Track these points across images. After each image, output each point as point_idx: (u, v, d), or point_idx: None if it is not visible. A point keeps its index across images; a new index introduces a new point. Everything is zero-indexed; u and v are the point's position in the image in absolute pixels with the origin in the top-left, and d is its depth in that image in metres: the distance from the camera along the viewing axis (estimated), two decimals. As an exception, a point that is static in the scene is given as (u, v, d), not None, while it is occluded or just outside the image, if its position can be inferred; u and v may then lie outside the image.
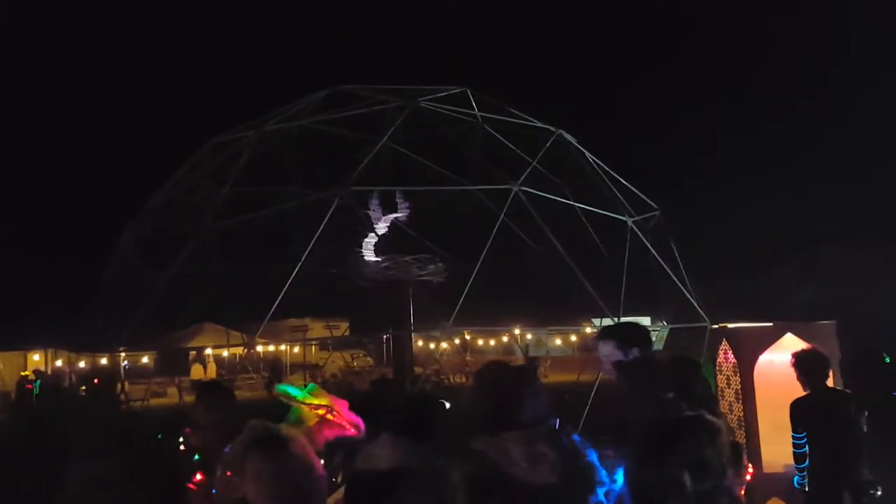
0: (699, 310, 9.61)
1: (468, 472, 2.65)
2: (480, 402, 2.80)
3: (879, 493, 4.76)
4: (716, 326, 8.36)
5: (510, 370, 3.00)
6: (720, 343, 7.54)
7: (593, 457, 2.70)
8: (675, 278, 10.04)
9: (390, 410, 3.36)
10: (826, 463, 4.74)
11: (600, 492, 2.65)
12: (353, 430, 3.71)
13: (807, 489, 4.86)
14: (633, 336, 3.60)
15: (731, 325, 7.83)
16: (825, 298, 17.21)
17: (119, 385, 12.87)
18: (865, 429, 4.86)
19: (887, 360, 14.91)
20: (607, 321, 9.41)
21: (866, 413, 4.90)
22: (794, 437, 4.89)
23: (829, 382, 6.78)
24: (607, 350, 3.58)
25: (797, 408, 4.91)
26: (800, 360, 5.05)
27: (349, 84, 10.92)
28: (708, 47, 55.47)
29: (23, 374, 17.79)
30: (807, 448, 4.82)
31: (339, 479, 3.85)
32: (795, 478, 4.95)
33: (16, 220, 37.17)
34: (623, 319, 9.00)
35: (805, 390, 4.97)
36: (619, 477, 2.73)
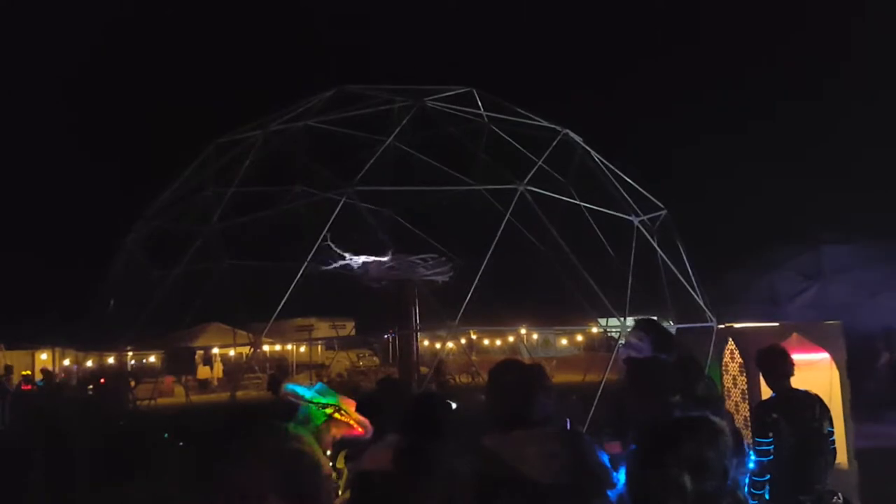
0: (706, 309, 9.58)
1: (479, 469, 2.65)
2: (494, 399, 2.80)
3: (840, 501, 4.45)
4: (722, 326, 8.33)
5: (525, 368, 2.99)
6: (726, 343, 7.52)
7: (605, 458, 2.70)
8: (681, 278, 10.01)
9: (397, 410, 3.36)
10: (790, 470, 4.33)
11: (611, 493, 2.65)
12: (360, 429, 3.71)
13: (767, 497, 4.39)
14: (667, 340, 3.58)
15: (737, 325, 7.81)
16: (830, 298, 17.15)
17: (131, 382, 12.95)
18: (831, 430, 4.54)
19: None
20: (613, 321, 9.40)
21: (830, 415, 4.56)
22: (758, 444, 4.40)
23: (836, 383, 6.79)
24: (638, 342, 3.56)
25: (762, 410, 4.55)
26: (761, 358, 4.73)
27: (355, 84, 10.94)
28: (714, 45, 55.30)
29: (24, 373, 17.68)
30: (773, 457, 4.35)
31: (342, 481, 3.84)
32: (750, 489, 4.32)
33: (23, 220, 37.36)
34: (628, 320, 8.99)
35: (772, 391, 4.64)
36: (621, 476, 2.74)
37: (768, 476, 4.34)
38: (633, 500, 2.42)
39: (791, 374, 4.63)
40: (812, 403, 4.55)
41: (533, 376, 2.87)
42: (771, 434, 4.37)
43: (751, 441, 4.61)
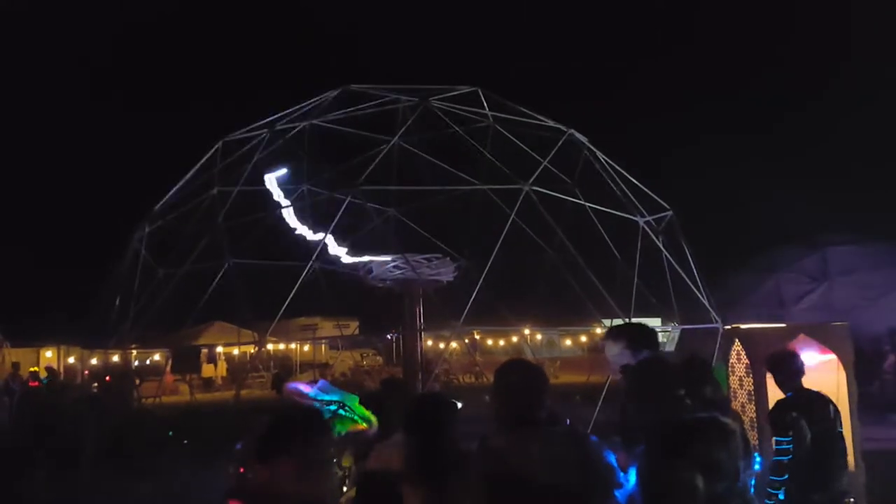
0: (711, 311, 9.55)
1: (484, 469, 2.63)
2: (500, 399, 2.78)
3: (853, 501, 4.53)
4: (728, 327, 8.30)
5: (531, 369, 2.96)
6: (733, 344, 7.49)
7: (611, 458, 2.68)
8: (686, 279, 9.98)
9: (401, 410, 3.35)
10: (807, 470, 4.33)
11: (618, 493, 2.63)
12: (364, 425, 3.72)
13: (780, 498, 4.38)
14: (643, 337, 3.53)
15: (743, 326, 7.77)
16: (835, 300, 17.10)
17: (136, 381, 13.00)
18: (840, 431, 4.55)
19: None
20: (618, 322, 9.38)
21: (840, 416, 4.60)
22: (778, 443, 4.40)
23: (843, 384, 6.76)
24: (616, 351, 3.51)
25: (782, 409, 4.52)
26: (774, 360, 4.76)
27: (360, 83, 10.94)
28: (718, 47, 55.21)
29: (31, 369, 17.77)
30: (791, 456, 4.33)
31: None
32: (767, 489, 4.32)
33: (29, 217, 37.50)
34: (633, 320, 8.96)
35: (784, 392, 4.65)
36: (632, 477, 2.72)
37: (786, 476, 4.33)
38: (645, 502, 2.41)
39: (803, 374, 4.65)
40: (826, 404, 4.57)
41: (540, 376, 2.85)
42: (791, 433, 4.37)
43: (756, 443, 4.60)
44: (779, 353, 4.83)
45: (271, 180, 10.20)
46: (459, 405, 3.27)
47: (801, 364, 4.67)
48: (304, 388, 4.04)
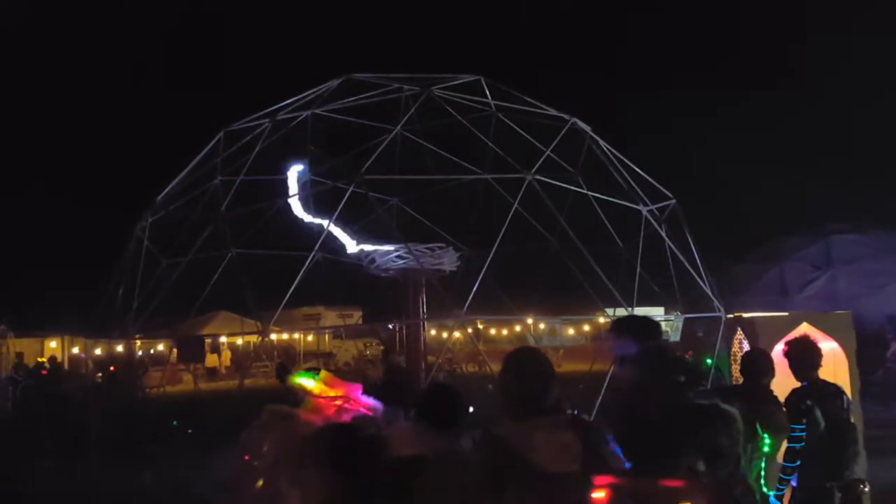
0: (714, 299, 9.53)
1: (489, 458, 2.64)
2: (507, 387, 2.78)
3: (867, 489, 4.61)
4: (731, 316, 8.30)
5: (539, 356, 2.97)
6: (735, 333, 7.51)
7: (615, 447, 2.69)
8: (689, 268, 9.96)
9: (410, 398, 3.37)
10: (820, 457, 4.45)
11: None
12: (369, 412, 3.76)
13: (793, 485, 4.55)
14: (648, 329, 3.56)
15: (746, 315, 7.79)
16: (838, 289, 17.09)
17: (142, 371, 13.08)
18: (853, 420, 4.71)
19: None
20: (621, 311, 9.36)
21: (852, 406, 4.76)
22: (791, 430, 4.50)
23: (846, 373, 6.78)
24: (621, 343, 3.53)
25: (796, 398, 4.65)
26: (791, 349, 4.89)
27: (362, 72, 10.89)
28: (721, 39, 54.94)
29: (39, 359, 17.94)
30: (804, 444, 4.47)
31: None
32: (774, 494, 4.38)
33: (32, 209, 37.58)
34: (636, 310, 8.95)
35: (799, 381, 4.78)
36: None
37: (798, 462, 4.46)
38: None
39: (819, 365, 4.78)
40: (839, 393, 4.71)
41: (547, 365, 2.86)
42: (804, 421, 4.48)
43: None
44: (799, 343, 4.92)
45: (293, 174, 10.18)
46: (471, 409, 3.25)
47: (820, 356, 4.80)
48: (308, 382, 4.06)
